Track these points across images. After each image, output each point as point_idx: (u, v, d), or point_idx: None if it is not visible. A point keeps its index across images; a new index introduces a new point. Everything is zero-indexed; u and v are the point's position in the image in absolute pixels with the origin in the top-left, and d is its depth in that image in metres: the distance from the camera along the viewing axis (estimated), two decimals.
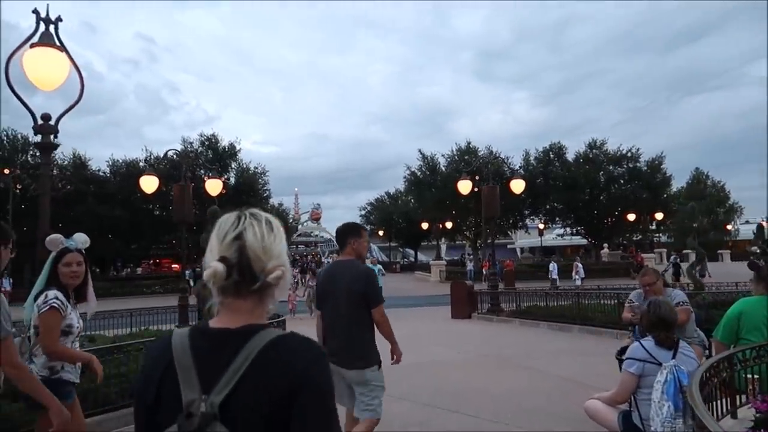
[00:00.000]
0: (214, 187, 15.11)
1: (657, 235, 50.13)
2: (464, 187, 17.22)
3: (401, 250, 69.23)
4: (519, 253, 57.08)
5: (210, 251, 1.18)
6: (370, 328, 3.80)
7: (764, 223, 57.99)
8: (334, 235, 4.18)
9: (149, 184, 13.56)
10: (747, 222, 71.24)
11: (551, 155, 39.99)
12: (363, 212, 61.51)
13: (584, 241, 45.56)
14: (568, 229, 43.59)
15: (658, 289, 5.08)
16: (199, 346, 1.14)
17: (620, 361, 4.83)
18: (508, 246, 62.93)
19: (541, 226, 46.23)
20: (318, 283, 4.10)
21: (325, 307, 3.92)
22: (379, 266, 13.11)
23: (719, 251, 54.22)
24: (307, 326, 12.87)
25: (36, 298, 3.15)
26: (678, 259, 26.76)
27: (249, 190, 38.11)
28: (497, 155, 36.95)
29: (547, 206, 40.46)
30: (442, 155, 40.37)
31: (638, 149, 38.47)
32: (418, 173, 41.38)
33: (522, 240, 64.22)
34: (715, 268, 38.46)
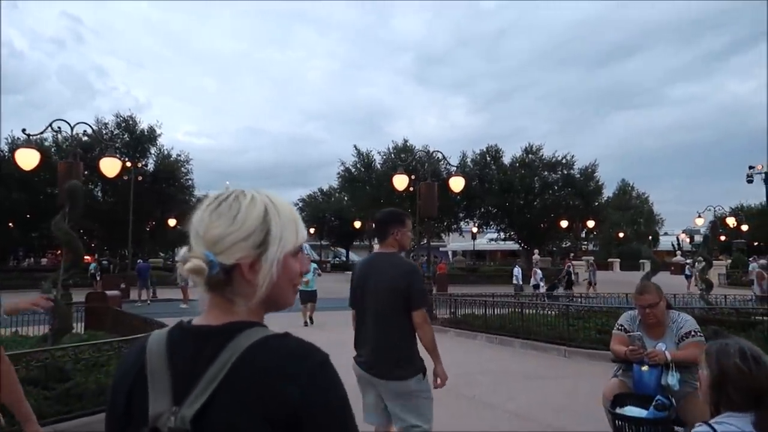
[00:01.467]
0: (110, 167, 12.84)
1: (584, 242, 50.82)
2: (400, 182, 15.77)
3: (333, 249, 67.55)
4: (451, 256, 56.70)
5: None
6: (413, 332, 3.30)
7: (685, 236, 60.12)
8: (375, 223, 3.60)
9: (27, 159, 11.23)
10: (666, 234, 74.37)
11: (488, 158, 39.43)
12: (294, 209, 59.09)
13: (516, 246, 45.43)
14: (501, 234, 43.21)
15: (660, 313, 3.71)
16: (176, 348, 0.96)
17: (614, 416, 3.41)
18: (441, 249, 62.56)
19: (475, 229, 45.75)
20: (354, 277, 3.55)
21: (361, 306, 3.41)
22: (314, 265, 12.33)
23: (641, 260, 55.80)
24: None
25: None
26: (572, 267, 26.42)
27: (169, 179, 35.30)
28: (434, 154, 36.00)
29: (482, 209, 39.88)
30: (378, 152, 39.04)
31: (573, 156, 38.48)
32: (353, 170, 39.86)
33: (454, 243, 63.92)
34: (631, 277, 39.12)
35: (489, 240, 55.19)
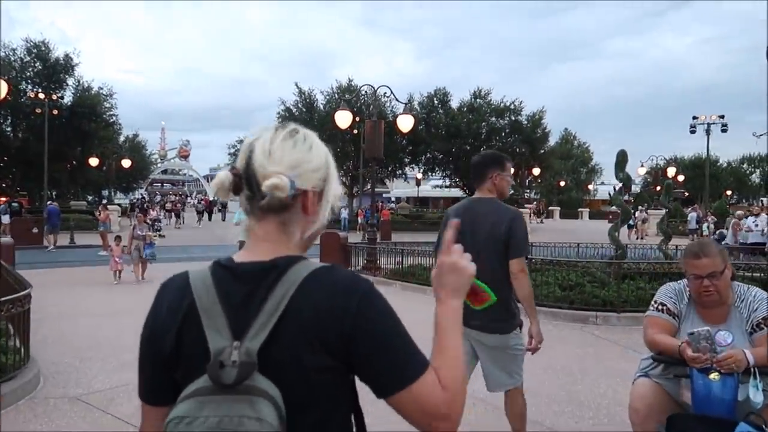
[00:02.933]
0: None
1: (527, 191, 50.85)
2: (343, 119, 14.19)
3: None
4: (395, 203, 55.83)
5: None
6: (510, 283, 3.06)
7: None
8: (472, 166, 3.26)
9: None
10: (603, 183, 76.04)
11: (435, 101, 38.03)
12: (232, 150, 56.17)
13: (461, 194, 44.88)
14: (446, 180, 42.38)
15: (724, 286, 2.49)
16: (225, 286, 0.98)
17: None
18: (384, 195, 61.59)
19: (420, 175, 44.76)
20: (446, 223, 2.86)
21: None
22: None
23: (579, 209, 56.71)
24: (137, 295, 9.83)
25: None
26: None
27: (90, 114, 32.09)
28: (380, 90, 34.31)
29: (428, 155, 38.75)
30: (321, 92, 36.93)
31: (521, 102, 37.57)
32: (294, 110, 37.65)
33: (398, 189, 62.99)
34: (572, 225, 39.74)
35: (433, 186, 54.48)
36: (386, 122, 26.24)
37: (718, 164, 60.36)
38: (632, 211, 36.88)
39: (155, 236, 13.86)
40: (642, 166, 37.11)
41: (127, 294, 10.04)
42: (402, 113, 14.50)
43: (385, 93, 14.54)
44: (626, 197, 9.15)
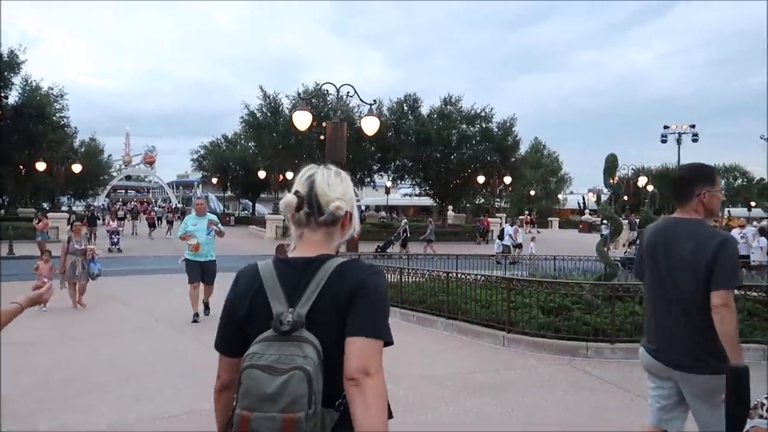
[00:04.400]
0: None
1: (497, 199, 50.18)
2: (301, 120, 12.95)
3: (241, 201, 63.52)
4: (364, 210, 54.63)
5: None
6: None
7: (592, 195, 61.24)
8: (675, 181, 2.90)
9: None
10: (572, 192, 76.17)
11: (405, 107, 36.99)
12: (195, 156, 54.17)
13: (431, 202, 43.90)
14: (416, 189, 41.32)
15: None
16: (282, 272, 1.46)
17: None
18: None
19: (389, 183, 43.65)
20: (645, 244, 2.96)
21: (652, 280, 2.88)
22: (212, 217, 8.72)
23: (549, 218, 56.34)
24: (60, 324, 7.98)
25: None
26: (407, 224, 25.40)
27: (38, 115, 30.09)
28: (347, 101, 33.16)
29: (397, 162, 37.64)
30: (286, 96, 35.52)
31: (492, 109, 36.78)
32: (258, 114, 36.16)
33: (368, 198, 61.82)
34: (545, 235, 39.15)
35: (403, 195, 53.46)
36: (353, 127, 25.13)
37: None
38: (602, 222, 36.22)
39: (98, 251, 10.69)
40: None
41: (50, 323, 8.24)
42: (367, 115, 13.31)
43: (349, 92, 13.33)
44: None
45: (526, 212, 38.18)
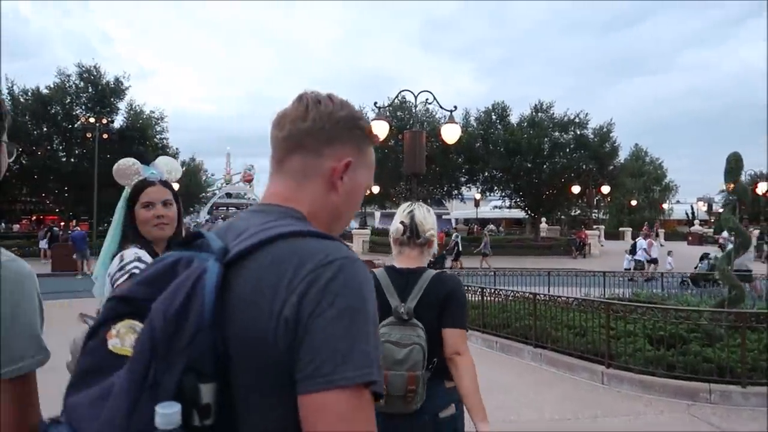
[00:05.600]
0: None
1: (594, 211, 47.31)
2: (379, 130, 12.33)
3: None
4: (454, 224, 53.50)
5: (394, 221, 2.30)
6: None
7: (702, 204, 56.43)
8: None
9: None
10: (678, 202, 70.72)
11: (493, 117, 35.71)
12: None
13: (522, 214, 42.07)
14: (506, 201, 39.72)
15: None
16: (393, 277, 2.18)
17: None
18: (444, 216, 59.32)
19: (478, 195, 42.31)
20: None
21: None
22: None
23: (620, 229, 52.24)
24: None
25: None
26: (459, 237, 24.05)
27: (141, 138, 31.85)
28: (434, 112, 32.49)
29: (486, 173, 36.33)
30: (372, 110, 35.34)
31: (587, 114, 34.64)
32: None
33: (457, 211, 60.59)
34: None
35: (493, 207, 51.80)
36: (439, 139, 24.36)
37: None
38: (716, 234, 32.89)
39: None
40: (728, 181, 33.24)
41: None
42: (447, 122, 12.49)
43: (428, 99, 12.56)
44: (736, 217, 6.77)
45: (646, 224, 35.32)
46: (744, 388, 5.20)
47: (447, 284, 2.13)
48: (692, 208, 62.26)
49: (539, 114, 35.26)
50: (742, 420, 4.85)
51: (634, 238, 45.66)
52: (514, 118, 35.82)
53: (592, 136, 34.77)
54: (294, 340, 0.78)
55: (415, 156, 11.51)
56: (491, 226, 49.53)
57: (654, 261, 18.38)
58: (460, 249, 22.83)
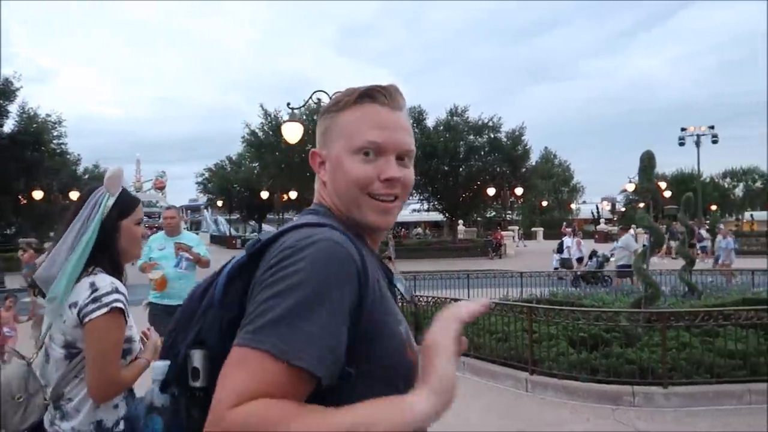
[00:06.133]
0: None
1: (509, 212, 48.74)
2: (292, 132, 11.83)
3: (249, 223, 62.60)
4: None
5: None
6: None
7: (606, 204, 59.63)
8: None
9: None
10: (584, 202, 74.52)
11: (410, 120, 35.82)
12: (200, 179, 53.43)
13: (440, 217, 42.60)
14: (425, 204, 40.08)
15: None
16: None
17: None
18: None
19: None
20: None
21: None
22: (191, 235, 5.64)
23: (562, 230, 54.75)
24: None
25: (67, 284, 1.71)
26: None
27: (35, 143, 29.36)
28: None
29: None
30: (288, 113, 34.55)
31: (500, 118, 35.55)
32: (260, 133, 35.31)
33: None
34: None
35: (412, 210, 52.18)
36: None
37: (702, 179, 59.15)
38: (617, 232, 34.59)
39: None
40: (630, 182, 35.21)
41: None
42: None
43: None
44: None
45: (564, 224, 36.49)
46: (666, 389, 5.15)
47: None
48: (597, 208, 65.61)
49: (455, 118, 35.82)
50: (666, 422, 4.77)
51: (546, 238, 47.63)
52: (430, 122, 36.22)
53: (505, 140, 35.72)
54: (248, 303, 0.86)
55: None
56: (419, 230, 49.91)
57: (580, 260, 18.90)
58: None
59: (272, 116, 34.69)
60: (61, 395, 1.73)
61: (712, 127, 31.50)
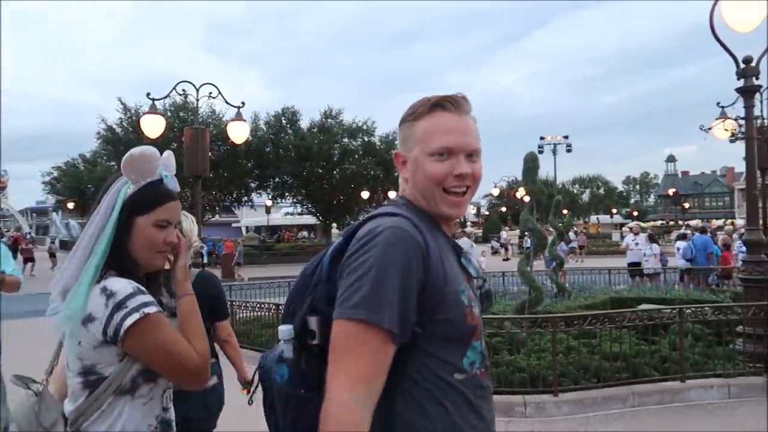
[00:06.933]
0: None
1: None
2: (152, 126, 10.65)
3: None
4: (245, 232, 51.50)
5: None
6: None
7: (471, 207, 62.70)
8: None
9: None
10: None
11: (284, 121, 34.96)
12: (47, 178, 48.03)
13: (314, 220, 41.99)
14: (298, 207, 39.26)
15: None
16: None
17: None
18: (233, 224, 56.87)
19: (269, 202, 41.19)
20: None
21: None
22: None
23: None
24: None
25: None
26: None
27: None
28: (221, 114, 30.65)
29: (277, 179, 35.40)
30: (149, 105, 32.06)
31: (374, 122, 35.78)
32: (118, 129, 32.46)
33: (248, 218, 58.55)
34: None
35: (285, 214, 51.07)
36: (227, 143, 22.73)
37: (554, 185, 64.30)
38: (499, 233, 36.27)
39: None
40: (495, 186, 37.17)
41: None
42: (234, 119, 11.22)
43: (211, 93, 11.08)
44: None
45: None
46: (556, 396, 5.01)
47: (214, 283, 2.82)
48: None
49: (329, 120, 35.44)
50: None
51: None
52: (304, 123, 35.54)
53: (379, 144, 35.98)
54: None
55: (198, 156, 10.09)
56: (304, 233, 48.70)
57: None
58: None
59: (132, 111, 32.00)
60: (79, 430, 1.41)
61: (566, 137, 34.07)
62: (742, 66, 6.10)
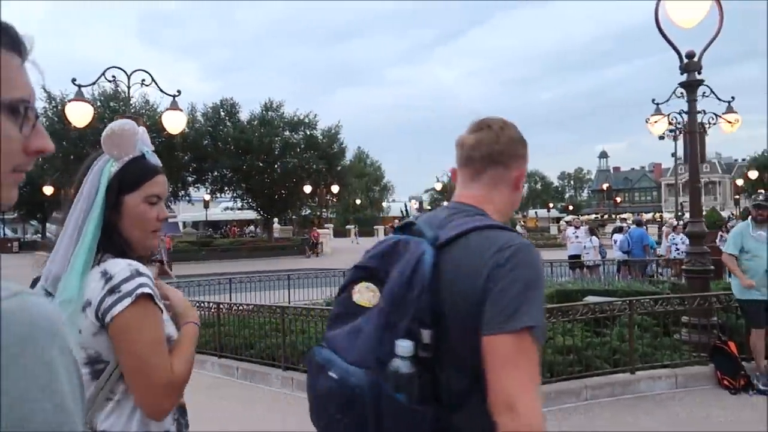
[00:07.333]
0: None
1: (324, 210, 49.03)
2: (78, 114, 9.95)
3: (32, 223, 54.43)
4: (182, 228, 49.87)
5: None
6: None
7: (414, 203, 62.88)
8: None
9: None
10: (394, 201, 78.34)
11: (222, 113, 33.97)
12: None
13: (254, 215, 41.10)
14: (238, 201, 38.30)
15: None
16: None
17: None
18: (170, 220, 54.86)
19: (207, 196, 39.99)
20: None
21: None
22: None
23: (375, 227, 56.65)
24: None
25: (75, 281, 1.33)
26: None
27: None
28: (155, 104, 29.39)
29: (215, 173, 34.36)
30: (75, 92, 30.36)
31: (316, 115, 35.31)
32: (43, 119, 30.43)
33: (185, 213, 56.73)
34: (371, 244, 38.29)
35: (224, 209, 49.73)
36: (162, 134, 21.82)
37: None
38: None
39: None
40: (438, 181, 37.42)
41: None
42: (169, 108, 10.63)
43: (144, 81, 10.42)
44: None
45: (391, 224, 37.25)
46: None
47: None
48: (406, 206, 68.84)
49: (270, 113, 34.71)
50: None
51: (360, 236, 48.78)
52: (244, 116, 34.67)
53: (321, 137, 35.56)
54: (484, 299, 1.11)
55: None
56: (251, 228, 47.50)
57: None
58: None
59: (58, 100, 30.20)
60: (93, 428, 1.32)
61: None
62: (686, 61, 6.19)
